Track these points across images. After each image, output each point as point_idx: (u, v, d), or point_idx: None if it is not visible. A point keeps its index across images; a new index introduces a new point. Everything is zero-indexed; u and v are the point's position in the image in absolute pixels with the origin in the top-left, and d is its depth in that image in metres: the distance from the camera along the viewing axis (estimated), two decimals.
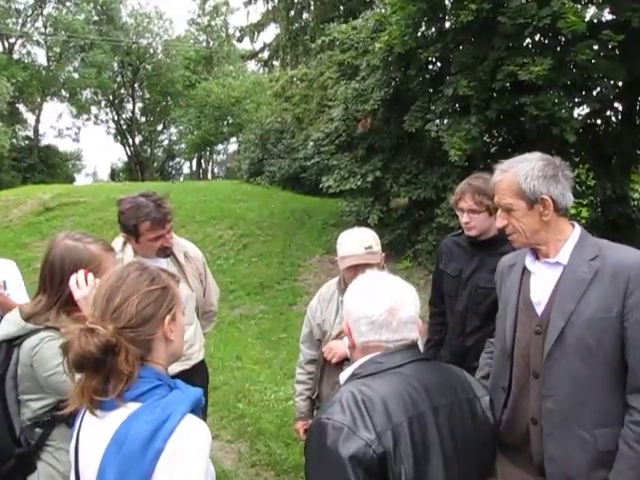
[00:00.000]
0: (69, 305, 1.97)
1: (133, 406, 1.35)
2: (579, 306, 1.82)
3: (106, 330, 1.34)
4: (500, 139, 9.67)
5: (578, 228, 1.97)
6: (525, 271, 2.05)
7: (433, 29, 9.31)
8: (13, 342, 1.99)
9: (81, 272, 1.94)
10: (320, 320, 2.83)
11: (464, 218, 2.85)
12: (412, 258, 9.84)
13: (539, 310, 1.95)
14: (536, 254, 2.02)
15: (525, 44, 8.05)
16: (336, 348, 2.67)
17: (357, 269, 2.50)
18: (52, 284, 2.03)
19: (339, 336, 2.69)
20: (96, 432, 1.39)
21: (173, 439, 1.29)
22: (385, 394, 1.43)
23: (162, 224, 2.84)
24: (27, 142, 31.94)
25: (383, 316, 1.53)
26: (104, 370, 1.34)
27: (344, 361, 2.65)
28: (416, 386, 1.48)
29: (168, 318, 1.45)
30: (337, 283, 2.87)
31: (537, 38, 8.15)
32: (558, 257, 1.93)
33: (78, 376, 1.38)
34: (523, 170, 1.90)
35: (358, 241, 2.62)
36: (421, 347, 2.29)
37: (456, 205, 2.90)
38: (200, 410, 1.42)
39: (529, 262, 2.03)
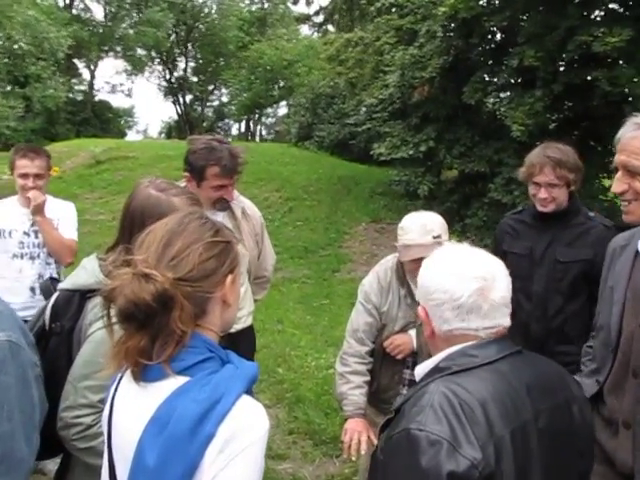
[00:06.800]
0: None
1: (180, 380, 1.14)
2: None
3: (164, 278, 1.11)
4: (561, 115, 9.21)
5: None
6: (638, 255, 1.76)
7: None
8: (87, 294, 1.75)
9: None
10: (384, 309, 2.49)
11: (542, 193, 2.57)
12: (460, 233, 9.54)
13: None
14: None
15: (601, 13, 7.56)
16: (404, 345, 2.43)
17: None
18: (131, 235, 1.80)
19: (403, 329, 2.46)
20: (135, 404, 1.18)
21: (226, 424, 1.08)
22: (485, 398, 1.18)
23: (230, 174, 2.62)
24: (82, 97, 32.50)
25: (472, 298, 1.26)
26: (152, 327, 1.13)
27: (405, 358, 2.46)
28: (517, 387, 1.24)
29: (230, 278, 1.24)
30: (394, 271, 2.51)
31: (616, 7, 7.62)
32: None
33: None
34: None
35: (426, 228, 2.25)
36: None
37: (530, 178, 2.61)
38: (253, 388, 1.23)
39: None
